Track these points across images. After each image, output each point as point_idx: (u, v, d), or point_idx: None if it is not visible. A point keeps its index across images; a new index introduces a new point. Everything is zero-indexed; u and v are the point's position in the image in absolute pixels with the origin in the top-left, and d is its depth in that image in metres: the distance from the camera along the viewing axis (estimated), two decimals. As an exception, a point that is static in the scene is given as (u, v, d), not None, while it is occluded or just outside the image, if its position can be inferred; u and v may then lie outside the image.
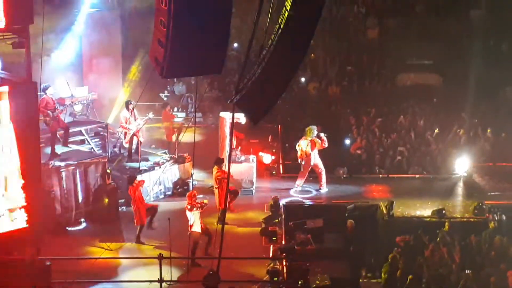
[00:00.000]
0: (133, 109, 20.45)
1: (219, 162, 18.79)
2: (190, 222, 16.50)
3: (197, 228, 16.50)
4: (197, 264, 16.35)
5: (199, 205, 16.55)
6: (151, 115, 20.90)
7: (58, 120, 19.40)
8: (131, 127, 20.35)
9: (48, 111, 18.97)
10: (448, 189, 20.72)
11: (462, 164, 21.40)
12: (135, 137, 20.53)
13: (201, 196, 17.52)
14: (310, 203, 19.87)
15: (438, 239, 17.12)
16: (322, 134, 20.40)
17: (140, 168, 19.92)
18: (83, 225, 18.56)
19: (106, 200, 18.67)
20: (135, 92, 23.85)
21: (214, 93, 27.67)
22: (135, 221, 17.67)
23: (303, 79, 27.60)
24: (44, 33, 16.44)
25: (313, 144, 20.29)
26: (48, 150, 19.00)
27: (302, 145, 20.36)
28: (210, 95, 27.49)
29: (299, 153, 20.53)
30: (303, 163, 20.48)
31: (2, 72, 15.67)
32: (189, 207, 16.53)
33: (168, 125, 23.24)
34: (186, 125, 24.02)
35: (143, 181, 18.33)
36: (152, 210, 18.13)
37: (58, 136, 19.75)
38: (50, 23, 20.59)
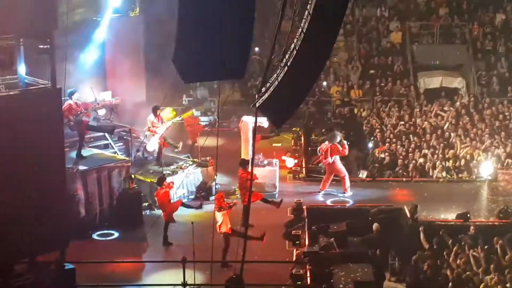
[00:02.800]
0: (159, 114, 20.59)
1: (244, 163, 18.80)
2: (219, 223, 16.63)
3: (225, 228, 16.62)
4: (227, 265, 16.40)
5: (227, 206, 16.69)
6: (176, 119, 21.11)
7: (83, 124, 19.50)
8: (158, 130, 20.47)
9: (71, 117, 19.08)
10: (473, 192, 20.58)
11: (487, 168, 21.24)
12: (159, 141, 20.65)
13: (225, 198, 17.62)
14: (334, 207, 19.82)
15: (462, 243, 17.00)
16: (344, 142, 20.36)
17: (164, 172, 20.01)
18: (107, 229, 18.66)
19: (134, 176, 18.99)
20: (159, 96, 23.96)
21: (237, 97, 27.72)
22: (164, 217, 17.88)
23: (325, 83, 27.56)
24: (68, 38, 16.55)
25: (333, 149, 20.23)
26: (72, 154, 19.13)
27: (322, 149, 20.34)
28: (233, 99, 27.54)
29: (319, 157, 20.53)
30: (320, 165, 20.47)
31: (27, 77, 15.80)
32: (218, 208, 16.66)
33: (191, 128, 23.35)
34: (209, 129, 24.10)
35: (172, 183, 18.52)
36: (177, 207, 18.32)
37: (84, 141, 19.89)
38: (73, 29, 20.77)
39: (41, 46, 15.01)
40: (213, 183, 20.47)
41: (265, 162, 20.84)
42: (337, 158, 20.34)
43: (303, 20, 11.35)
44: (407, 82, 27.58)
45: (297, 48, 11.47)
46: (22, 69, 15.52)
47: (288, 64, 11.69)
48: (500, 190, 20.78)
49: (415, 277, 16.26)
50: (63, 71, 16.20)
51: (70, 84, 18.66)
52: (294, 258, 16.95)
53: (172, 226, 18.08)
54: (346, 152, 20.33)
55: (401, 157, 22.17)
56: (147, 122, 20.65)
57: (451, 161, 21.72)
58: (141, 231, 18.57)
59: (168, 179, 19.21)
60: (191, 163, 21.07)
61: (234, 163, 19.41)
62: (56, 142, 15.44)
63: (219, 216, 16.73)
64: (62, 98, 17.07)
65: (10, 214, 14.48)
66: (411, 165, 21.79)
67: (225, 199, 17.05)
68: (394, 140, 23.06)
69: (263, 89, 12.43)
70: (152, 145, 20.70)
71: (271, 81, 12.22)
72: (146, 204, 19.60)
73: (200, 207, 18.95)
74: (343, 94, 27.12)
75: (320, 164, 20.66)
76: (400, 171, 21.78)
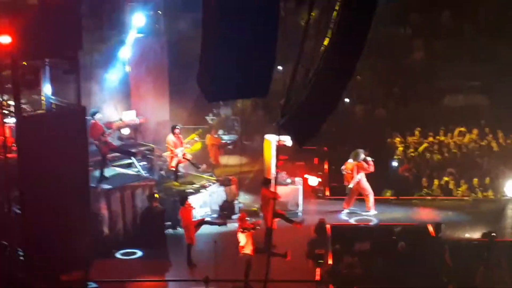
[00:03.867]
0: (179, 133, 20.66)
1: (267, 182, 18.79)
2: (242, 244, 16.59)
3: (248, 250, 16.58)
4: (250, 286, 16.34)
5: (251, 227, 16.66)
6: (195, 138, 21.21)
7: (107, 144, 19.63)
8: (177, 151, 20.52)
9: (96, 136, 19.20)
10: (498, 211, 20.39)
11: (512, 186, 21.07)
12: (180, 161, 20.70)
13: (248, 219, 17.57)
14: (358, 225, 19.73)
15: (488, 262, 16.83)
16: (369, 158, 20.33)
17: (186, 190, 20.05)
18: (130, 247, 18.71)
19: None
20: (182, 115, 24.10)
21: (260, 115, 27.74)
22: (186, 238, 17.86)
23: (347, 100, 27.48)
24: (93, 58, 16.72)
25: (359, 167, 20.21)
26: (96, 173, 19.25)
27: (348, 168, 20.29)
28: (256, 117, 27.58)
29: (345, 176, 20.46)
30: (350, 186, 20.39)
31: (53, 97, 15.95)
32: (241, 229, 16.63)
33: (213, 148, 23.41)
34: (232, 147, 24.16)
35: (193, 207, 18.58)
36: (200, 224, 18.31)
37: (107, 161, 20.00)
38: (98, 48, 20.95)
39: (67, 66, 15.12)
40: (236, 202, 20.47)
41: (288, 180, 20.81)
42: (363, 176, 20.28)
43: (327, 38, 11.37)
44: (431, 100, 27.44)
45: (320, 67, 11.48)
46: (47, 89, 15.67)
47: (312, 83, 11.70)
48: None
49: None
50: (88, 90, 16.34)
51: (94, 103, 18.82)
52: (318, 278, 16.86)
53: (194, 248, 18.02)
54: (372, 168, 20.29)
55: (425, 175, 22.04)
56: (168, 142, 20.73)
57: (476, 180, 21.54)
58: (164, 250, 18.59)
59: (191, 198, 19.25)
60: (214, 181, 21.10)
61: (256, 182, 19.39)
62: (80, 161, 15.52)
63: (242, 238, 16.68)
64: (86, 117, 17.21)
65: (35, 233, 14.57)
66: (435, 183, 21.64)
67: (248, 220, 16.99)
68: (418, 158, 22.93)
69: (286, 108, 12.44)
70: (173, 165, 20.76)
71: (294, 100, 12.23)
72: (169, 223, 19.62)
73: (224, 224, 18.92)
74: (367, 112, 27.02)
75: (350, 185, 20.54)
76: (425, 189, 21.65)
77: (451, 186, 21.62)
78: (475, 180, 21.55)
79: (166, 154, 20.98)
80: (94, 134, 19.02)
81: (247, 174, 22.57)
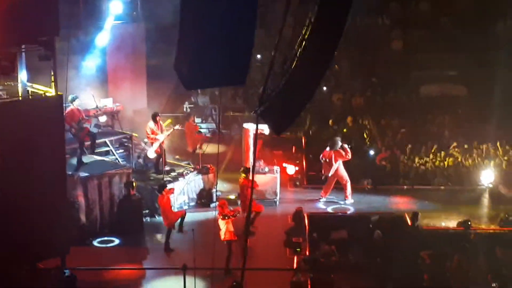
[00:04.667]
0: (159, 121, 20.61)
1: (247, 171, 18.79)
2: (222, 231, 16.61)
3: (228, 236, 16.63)
4: (230, 272, 16.37)
5: (232, 214, 16.69)
6: (177, 126, 21.11)
7: (85, 131, 19.50)
8: (158, 137, 20.46)
9: (73, 123, 19.08)
10: (474, 200, 20.58)
11: (488, 175, 21.22)
12: (159, 148, 20.65)
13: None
14: (335, 214, 19.81)
15: (463, 251, 16.97)
16: (346, 146, 20.41)
17: (164, 178, 20.01)
18: (108, 235, 18.65)
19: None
20: (160, 102, 24.02)
21: (238, 104, 27.74)
22: (165, 224, 17.91)
23: (325, 88, 27.53)
24: (69, 44, 16.59)
25: (336, 155, 20.28)
26: (73, 161, 19.13)
27: (326, 156, 20.36)
28: (234, 106, 27.57)
29: (323, 165, 20.54)
30: (329, 174, 20.46)
31: (29, 84, 15.81)
32: (221, 216, 16.65)
33: (191, 135, 23.37)
34: (210, 136, 24.14)
35: (173, 189, 18.62)
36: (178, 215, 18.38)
37: (84, 148, 19.89)
38: (75, 35, 20.80)
39: (43, 53, 14.99)
40: (214, 190, 20.48)
41: (266, 169, 20.85)
42: (340, 164, 20.36)
43: (305, 27, 11.37)
44: (409, 90, 27.57)
45: (298, 56, 11.48)
46: (23, 75, 15.54)
47: (290, 71, 11.70)
48: (501, 197, 20.75)
49: (416, 286, 16.24)
50: (65, 77, 16.22)
51: (71, 90, 18.68)
52: (295, 266, 16.93)
53: (173, 233, 18.07)
54: (350, 156, 20.36)
55: (402, 164, 22.16)
56: (146, 129, 20.65)
57: (452, 169, 21.68)
58: (142, 238, 18.57)
59: (169, 186, 19.22)
60: (192, 170, 21.07)
61: (234, 170, 19.41)
62: (57, 148, 15.42)
63: (222, 224, 16.70)
64: (64, 105, 17.08)
65: (11, 220, 14.47)
66: (412, 172, 21.77)
67: (228, 207, 17.03)
68: (395, 148, 23.05)
69: (264, 96, 12.44)
70: (153, 152, 20.68)
71: (272, 88, 12.22)
72: (146, 211, 19.59)
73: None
74: (344, 102, 27.09)
75: (329, 174, 20.58)
76: (401, 178, 21.77)
77: (427, 175, 21.74)
78: (452, 170, 21.66)
79: (146, 141, 20.89)
80: (71, 120, 18.90)
81: (225, 162, 22.60)
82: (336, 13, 11.23)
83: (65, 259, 15.35)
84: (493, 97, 26.65)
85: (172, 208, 18.76)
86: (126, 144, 21.41)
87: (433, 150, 22.66)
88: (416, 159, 22.27)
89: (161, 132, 20.52)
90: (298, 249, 17.66)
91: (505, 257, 16.75)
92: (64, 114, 17.94)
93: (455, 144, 22.94)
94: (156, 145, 20.49)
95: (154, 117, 20.61)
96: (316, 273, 15.72)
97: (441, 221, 19.01)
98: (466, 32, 28.98)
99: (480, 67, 28.01)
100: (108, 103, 21.94)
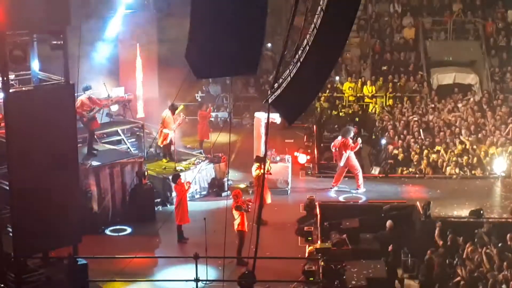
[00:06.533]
0: (174, 110, 20.63)
1: (260, 160, 18.72)
2: (237, 221, 16.63)
3: (242, 227, 16.62)
4: (243, 262, 16.39)
5: (244, 207, 16.66)
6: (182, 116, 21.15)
7: (95, 120, 19.53)
8: (172, 127, 20.49)
9: (84, 112, 19.11)
10: (486, 189, 20.48)
11: (500, 164, 21.13)
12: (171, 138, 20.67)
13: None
14: (346, 203, 19.78)
15: (475, 240, 16.92)
16: (358, 139, 20.32)
17: (176, 168, 20.04)
18: (120, 224, 18.71)
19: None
20: (171, 92, 23.95)
21: (249, 93, 27.72)
22: (176, 220, 17.81)
23: (337, 78, 27.51)
24: (81, 34, 16.57)
25: (344, 145, 20.16)
26: (85, 150, 19.18)
27: (336, 145, 20.31)
28: (245, 95, 27.55)
29: (334, 154, 20.51)
30: (340, 164, 20.41)
31: (41, 73, 15.83)
32: (236, 206, 16.64)
33: (202, 125, 23.42)
34: (222, 125, 24.13)
35: (189, 183, 18.46)
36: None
37: (96, 137, 19.93)
38: (87, 25, 20.79)
39: (54, 42, 15.00)
40: (225, 179, 20.48)
41: (278, 158, 20.83)
42: (351, 154, 20.28)
43: (316, 15, 11.33)
44: (420, 79, 27.47)
45: (309, 44, 11.45)
46: (35, 64, 15.55)
47: (301, 60, 11.67)
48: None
49: (428, 274, 16.22)
50: (76, 66, 16.22)
51: (83, 80, 18.70)
52: (307, 255, 16.94)
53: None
54: (356, 148, 20.25)
55: (414, 153, 22.08)
56: (162, 117, 20.63)
57: (465, 158, 21.59)
58: (154, 226, 18.61)
59: (181, 175, 19.22)
60: (203, 159, 21.09)
61: (246, 159, 19.39)
62: (69, 137, 15.43)
63: (236, 215, 16.72)
64: (76, 94, 17.11)
65: (23, 209, 14.53)
66: (424, 161, 21.70)
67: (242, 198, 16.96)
68: (407, 136, 22.97)
69: (276, 85, 12.42)
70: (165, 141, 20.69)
71: (283, 77, 12.21)
72: (158, 199, 19.63)
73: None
74: (356, 90, 27.04)
75: (340, 164, 20.51)
76: (413, 167, 21.70)
77: (439, 164, 21.66)
78: (465, 158, 21.58)
79: (160, 130, 20.84)
80: (84, 110, 18.93)
81: (236, 151, 22.60)
82: (348, 0, 11.19)
83: (77, 248, 15.41)
84: (505, 85, 26.58)
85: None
86: (137, 133, 21.45)
87: (445, 139, 22.58)
88: (428, 148, 22.18)
89: (174, 122, 20.56)
90: (310, 238, 17.67)
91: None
92: (76, 103, 17.98)
93: (467, 132, 22.89)
94: (169, 135, 20.49)
95: (173, 109, 20.56)
96: (328, 262, 15.72)
97: (453, 210, 18.93)
98: (477, 19, 28.83)
99: (493, 54, 27.88)
100: (119, 92, 21.97)
